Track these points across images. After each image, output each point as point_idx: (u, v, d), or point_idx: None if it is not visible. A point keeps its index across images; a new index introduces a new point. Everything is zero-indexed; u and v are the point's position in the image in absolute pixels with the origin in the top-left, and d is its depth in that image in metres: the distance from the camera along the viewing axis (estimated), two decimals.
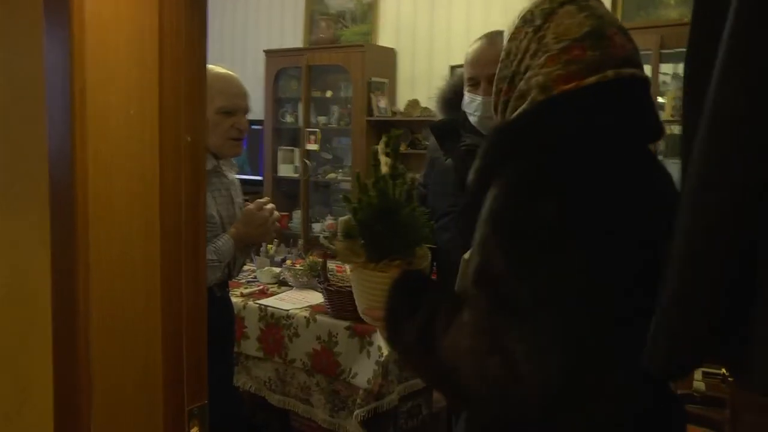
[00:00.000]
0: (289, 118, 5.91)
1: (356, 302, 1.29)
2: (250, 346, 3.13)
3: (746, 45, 0.79)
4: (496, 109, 1.21)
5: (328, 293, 2.87)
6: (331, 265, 3.22)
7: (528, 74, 1.12)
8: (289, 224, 5.84)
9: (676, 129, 4.16)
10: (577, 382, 1.00)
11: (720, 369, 2.62)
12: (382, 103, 5.31)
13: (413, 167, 5.51)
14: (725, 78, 0.80)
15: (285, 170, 5.88)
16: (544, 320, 0.99)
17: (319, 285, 3.04)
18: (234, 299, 3.02)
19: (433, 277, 2.10)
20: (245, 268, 3.57)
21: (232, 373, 2.53)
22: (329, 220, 5.65)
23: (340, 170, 5.78)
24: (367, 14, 5.67)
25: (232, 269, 2.24)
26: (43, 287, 1.01)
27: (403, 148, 5.33)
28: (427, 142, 5.25)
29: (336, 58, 5.49)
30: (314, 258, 3.40)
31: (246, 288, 3.35)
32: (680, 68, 4.18)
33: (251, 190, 6.01)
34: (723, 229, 0.84)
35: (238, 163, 6.07)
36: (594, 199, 1.03)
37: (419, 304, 1.16)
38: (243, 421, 2.77)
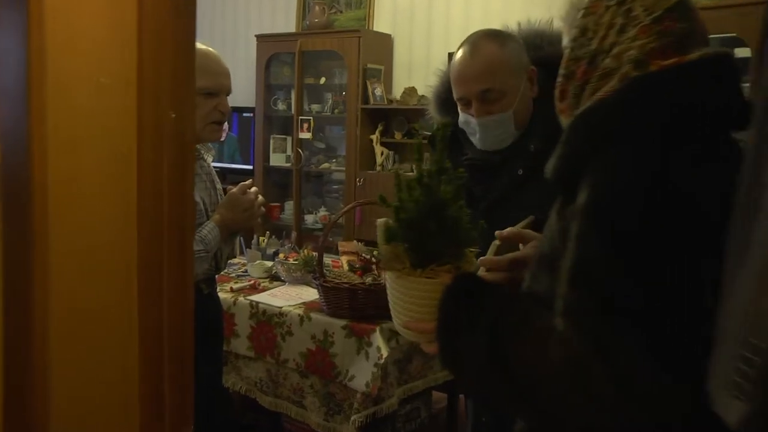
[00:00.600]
0: (281, 106, 5.74)
1: (394, 315, 1.13)
2: (240, 345, 2.97)
3: None
4: (562, 96, 1.08)
5: (324, 290, 2.70)
6: (327, 259, 3.06)
7: (615, 50, 1.01)
8: (281, 215, 5.67)
9: None
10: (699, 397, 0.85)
11: None
12: (378, 90, 5.14)
13: (409, 157, 5.36)
14: None
15: (277, 159, 5.72)
16: (668, 326, 0.86)
17: (313, 281, 2.87)
18: (223, 295, 2.87)
19: None
20: (235, 261, 3.40)
21: (220, 373, 2.38)
22: (322, 212, 5.49)
23: (334, 160, 5.61)
24: None
25: (219, 261, 2.08)
26: None
27: (398, 138, 5.16)
28: (424, 131, 5.09)
29: (330, 44, 5.32)
30: (309, 252, 3.23)
31: (236, 283, 3.18)
32: None
33: (242, 179, 5.82)
34: None
35: (228, 151, 5.90)
36: (717, 196, 0.89)
37: (480, 312, 1.01)
38: (232, 423, 2.62)
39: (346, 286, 2.70)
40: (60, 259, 0.79)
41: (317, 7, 5.48)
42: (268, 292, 3.08)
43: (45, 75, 0.78)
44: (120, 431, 0.86)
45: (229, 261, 2.47)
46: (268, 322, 2.89)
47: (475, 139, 1.77)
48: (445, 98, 1.86)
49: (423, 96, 5.09)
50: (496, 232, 1.24)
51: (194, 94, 0.89)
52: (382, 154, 5.14)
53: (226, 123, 2.04)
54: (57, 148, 0.77)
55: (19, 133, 0.78)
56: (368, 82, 5.13)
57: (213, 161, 2.22)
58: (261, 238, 3.69)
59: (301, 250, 3.38)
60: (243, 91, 5.47)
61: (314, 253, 3.15)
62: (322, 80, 5.53)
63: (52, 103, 0.77)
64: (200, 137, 1.98)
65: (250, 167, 5.77)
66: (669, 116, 0.96)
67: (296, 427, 3.00)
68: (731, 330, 0.74)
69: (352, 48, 5.14)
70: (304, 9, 5.78)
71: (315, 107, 5.58)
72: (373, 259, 2.76)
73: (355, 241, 3.43)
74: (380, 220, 1.06)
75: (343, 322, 2.69)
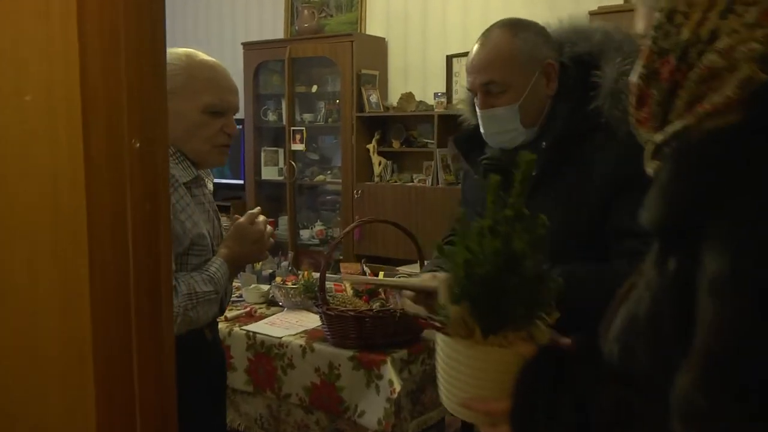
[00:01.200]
0: (271, 116, 5.53)
1: (447, 388, 0.94)
2: (237, 379, 2.73)
3: None
4: (640, 103, 0.83)
5: (328, 318, 2.46)
6: (329, 283, 2.82)
7: (722, 42, 0.74)
8: (276, 231, 5.43)
9: None
10: None
11: None
12: (374, 97, 4.92)
13: (408, 167, 5.13)
14: None
15: (269, 173, 5.50)
16: None
17: (315, 307, 2.63)
18: None
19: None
20: None
21: (224, 425, 2.13)
22: (319, 226, 5.26)
23: (329, 172, 5.40)
24: (354, 1, 5.26)
25: (224, 300, 1.84)
26: None
27: (396, 146, 4.94)
28: (425, 140, 4.86)
29: (321, 50, 5.10)
30: (309, 274, 2.99)
31: (230, 310, 2.93)
32: None
33: (232, 195, 5.59)
34: None
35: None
36: None
37: (564, 400, 0.83)
38: None
39: (352, 313, 2.46)
40: None
41: (306, 12, 5.25)
42: (265, 320, 2.84)
43: None
44: None
45: None
46: (267, 353, 2.66)
47: (485, 135, 1.69)
48: None
49: (421, 102, 4.86)
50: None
51: (166, 114, 0.65)
52: (379, 164, 4.91)
53: None
54: None
55: None
56: (363, 89, 4.91)
57: None
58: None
59: (300, 272, 3.14)
60: None
61: (315, 275, 2.92)
62: (314, 88, 5.32)
63: None
64: (204, 162, 1.75)
65: (241, 182, 5.57)
66: None
67: None
68: None
69: (344, 53, 4.93)
70: (292, 14, 5.55)
71: (307, 117, 5.38)
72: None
73: (359, 264, 3.19)
74: (442, 275, 0.93)
75: (349, 353, 2.47)
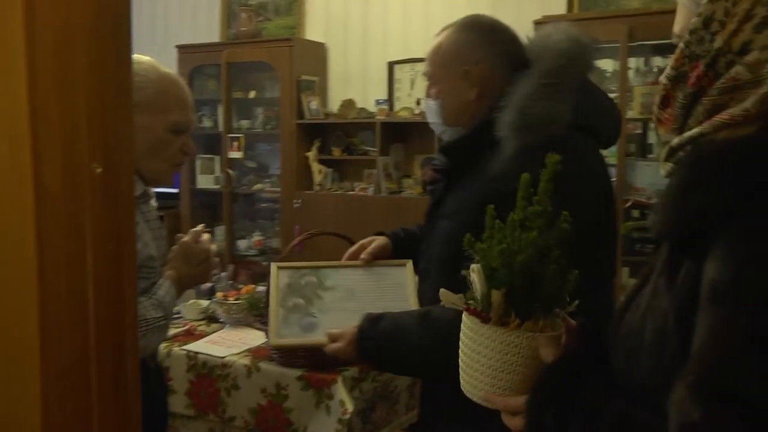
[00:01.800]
0: (207, 123, 5.36)
1: (473, 377, 1.00)
2: (177, 403, 2.57)
3: None
4: (665, 102, 0.82)
5: None
6: None
7: (751, 57, 0.74)
8: (212, 241, 5.25)
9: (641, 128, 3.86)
10: None
11: None
12: (314, 103, 4.81)
13: (349, 175, 5.04)
14: None
15: (204, 181, 5.32)
16: None
17: (260, 324, 2.51)
18: None
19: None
20: None
21: None
22: (257, 236, 5.10)
23: (267, 180, 5.26)
24: (292, 5, 5.15)
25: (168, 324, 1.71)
26: None
27: (337, 154, 4.84)
28: (366, 147, 4.78)
29: (259, 54, 4.96)
30: (251, 290, 2.86)
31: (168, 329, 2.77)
32: (651, 61, 3.86)
33: (167, 204, 5.37)
34: None
35: None
36: None
37: (572, 414, 0.84)
38: None
39: None
40: None
41: (243, 15, 5.10)
42: (206, 339, 2.69)
43: None
44: None
45: None
46: (209, 374, 2.52)
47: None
48: None
49: (362, 109, 4.78)
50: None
51: (133, 134, 0.54)
52: (320, 172, 4.80)
53: None
54: None
55: None
56: (302, 95, 4.80)
57: None
58: None
59: (241, 286, 3.01)
60: None
61: (259, 289, 2.80)
62: (252, 94, 5.19)
63: None
64: (157, 180, 1.62)
65: (176, 191, 5.36)
66: None
67: None
68: None
69: (283, 58, 4.81)
70: (228, 17, 5.38)
71: (245, 123, 5.24)
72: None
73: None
74: (474, 264, 0.95)
75: (297, 372, 2.36)
